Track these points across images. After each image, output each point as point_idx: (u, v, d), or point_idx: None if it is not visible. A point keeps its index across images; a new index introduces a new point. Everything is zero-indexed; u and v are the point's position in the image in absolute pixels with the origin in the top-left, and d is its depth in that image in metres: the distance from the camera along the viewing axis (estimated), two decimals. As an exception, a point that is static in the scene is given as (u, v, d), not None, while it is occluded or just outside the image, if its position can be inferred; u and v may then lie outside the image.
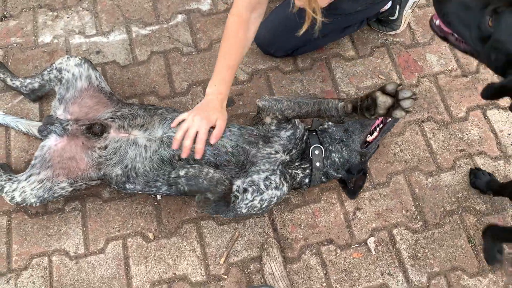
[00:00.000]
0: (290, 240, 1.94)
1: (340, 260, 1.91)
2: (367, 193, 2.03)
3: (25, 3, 2.38)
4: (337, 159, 1.85)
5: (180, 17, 2.40)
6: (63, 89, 1.85)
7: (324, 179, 1.88)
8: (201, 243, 1.92)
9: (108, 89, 1.91)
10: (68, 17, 2.37)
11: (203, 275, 1.87)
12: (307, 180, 1.84)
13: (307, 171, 1.82)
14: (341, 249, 1.93)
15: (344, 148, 1.84)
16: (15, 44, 2.28)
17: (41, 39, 2.31)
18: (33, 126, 2.02)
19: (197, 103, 2.19)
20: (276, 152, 1.76)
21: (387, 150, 2.11)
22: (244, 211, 1.74)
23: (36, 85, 1.98)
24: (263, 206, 1.75)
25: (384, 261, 1.91)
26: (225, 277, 1.87)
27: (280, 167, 1.76)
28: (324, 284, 1.87)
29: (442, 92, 2.23)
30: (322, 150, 1.82)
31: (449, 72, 2.28)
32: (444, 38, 1.29)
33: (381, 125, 1.91)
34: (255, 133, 1.77)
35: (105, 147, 1.76)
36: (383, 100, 1.36)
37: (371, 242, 1.93)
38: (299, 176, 1.83)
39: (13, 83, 2.04)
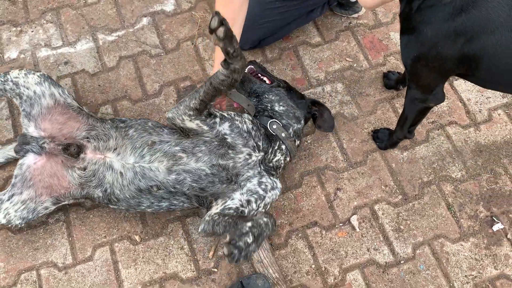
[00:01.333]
0: (275, 227, 1.96)
1: (326, 241, 1.94)
2: (346, 173, 2.07)
3: (-13, 21, 2.36)
4: (281, 107, 1.88)
5: (145, 20, 2.41)
6: (26, 106, 1.79)
7: (298, 142, 1.90)
8: (188, 240, 1.94)
9: (76, 103, 1.85)
10: (32, 31, 2.36)
11: (193, 271, 1.89)
12: (288, 158, 1.86)
13: (283, 147, 1.83)
14: (326, 230, 1.96)
15: (266, 96, 1.89)
16: (-19, 63, 2.26)
17: (7, 55, 2.29)
18: (9, 150, 2.00)
19: (171, 103, 2.21)
20: (249, 154, 1.73)
21: (361, 129, 2.15)
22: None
23: None
24: (267, 208, 1.78)
25: (369, 237, 1.95)
26: (215, 270, 1.89)
27: (261, 167, 1.77)
28: (313, 266, 1.90)
29: (409, 68, 2.28)
30: (276, 121, 1.85)
31: (414, 48, 2.33)
32: None
33: (254, 73, 1.99)
34: (215, 143, 1.70)
35: (84, 169, 1.74)
36: (218, 35, 1.35)
37: (354, 220, 1.97)
38: (281, 160, 1.84)
39: None
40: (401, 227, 1.97)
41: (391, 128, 2.10)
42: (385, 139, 2.06)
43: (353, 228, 1.97)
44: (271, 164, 1.81)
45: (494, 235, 1.95)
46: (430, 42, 1.44)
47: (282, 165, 1.84)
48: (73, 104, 1.85)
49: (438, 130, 2.15)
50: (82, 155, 1.74)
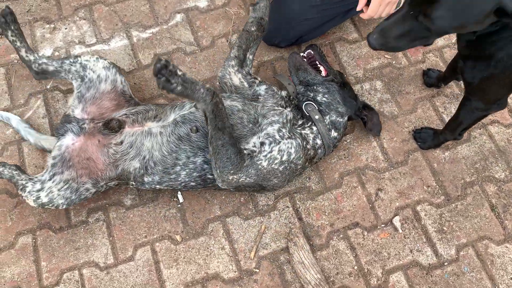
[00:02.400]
0: (316, 228, 1.95)
1: (368, 242, 1.92)
2: (387, 173, 2.04)
3: (20, 18, 2.34)
4: (324, 99, 1.90)
5: (179, 17, 2.39)
6: (84, 88, 1.85)
7: (335, 133, 1.89)
8: (229, 240, 1.93)
9: (130, 92, 1.94)
10: (66, 28, 2.34)
11: (235, 271, 1.88)
12: (319, 142, 1.85)
13: (314, 128, 1.85)
14: (368, 231, 1.94)
15: (315, 88, 1.92)
16: (16, 61, 2.26)
17: (42, 53, 2.28)
18: (42, 140, 2.01)
19: (207, 101, 2.18)
20: (278, 104, 1.84)
21: (401, 128, 2.12)
22: (264, 164, 1.73)
23: (50, 68, 1.90)
24: (283, 158, 1.76)
25: (412, 238, 1.93)
26: (257, 270, 1.88)
27: (288, 124, 1.79)
28: (355, 267, 1.88)
29: (449, 65, 2.24)
30: (313, 104, 1.88)
31: (453, 45, 2.29)
32: None
33: (312, 59, 2.02)
34: (250, 96, 1.89)
35: (121, 142, 1.77)
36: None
37: (396, 221, 1.95)
38: (310, 138, 1.83)
39: (27, 56, 1.91)
40: (444, 228, 1.94)
41: (433, 127, 2.06)
42: (428, 139, 2.02)
43: (396, 229, 1.94)
44: (298, 130, 1.81)
45: (540, 237, 1.92)
46: (505, 64, 1.43)
47: (310, 142, 1.83)
48: (128, 92, 1.93)
49: (480, 129, 2.11)
50: (120, 130, 1.79)
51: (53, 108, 2.16)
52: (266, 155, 1.74)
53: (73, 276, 1.87)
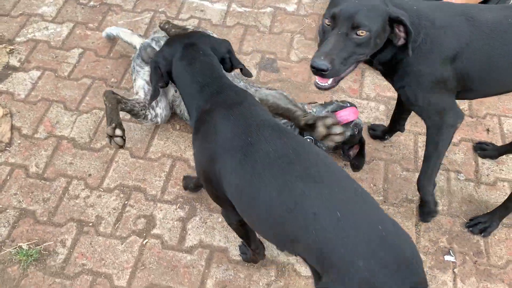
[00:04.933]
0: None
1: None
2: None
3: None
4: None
5: (268, 9, 3.15)
6: None
7: None
8: None
9: None
10: (193, -15, 3.25)
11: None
12: None
13: None
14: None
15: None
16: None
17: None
18: (133, 36, 2.76)
19: (255, 63, 2.85)
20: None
21: (380, 142, 2.53)
22: None
23: None
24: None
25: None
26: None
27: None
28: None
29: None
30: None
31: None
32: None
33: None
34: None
35: None
36: (319, 131, 1.89)
37: (334, 193, 2.32)
38: None
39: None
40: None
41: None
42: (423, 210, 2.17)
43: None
44: None
45: (442, 262, 2.13)
46: (433, 74, 1.74)
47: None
48: None
49: (443, 171, 2.43)
50: None
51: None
52: None
53: (100, 113, 2.55)
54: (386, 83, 2.74)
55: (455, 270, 2.11)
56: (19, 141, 2.46)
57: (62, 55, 2.85)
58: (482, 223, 2.20)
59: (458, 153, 2.50)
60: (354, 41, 1.58)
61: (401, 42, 1.68)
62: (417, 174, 2.38)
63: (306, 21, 3.10)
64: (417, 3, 1.74)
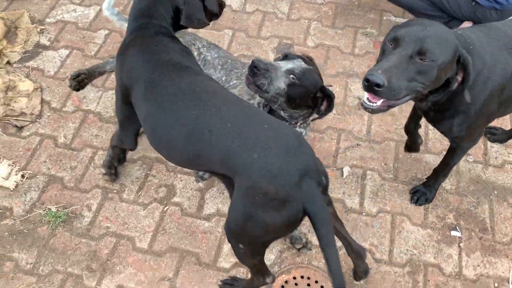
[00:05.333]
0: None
1: (317, 172, 2.42)
2: (363, 143, 2.54)
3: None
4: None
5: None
6: None
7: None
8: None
9: None
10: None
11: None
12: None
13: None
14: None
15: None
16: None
17: None
18: None
19: (271, 47, 2.96)
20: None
21: (392, 124, 2.62)
22: None
23: None
24: None
25: (349, 186, 2.38)
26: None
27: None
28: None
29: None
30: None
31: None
32: None
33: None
34: None
35: None
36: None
37: (346, 170, 2.42)
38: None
39: None
40: (379, 193, 2.36)
41: (418, 184, 2.37)
42: (428, 195, 2.29)
43: (342, 174, 2.42)
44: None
45: (448, 237, 2.22)
46: (479, 108, 1.76)
47: None
48: None
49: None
50: None
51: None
52: None
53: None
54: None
55: (461, 244, 2.20)
56: (48, 114, 2.60)
57: (89, 35, 2.99)
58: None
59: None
60: (417, 66, 1.48)
61: (455, 86, 1.64)
62: (427, 155, 2.49)
63: (323, 9, 3.20)
64: (467, 33, 1.71)
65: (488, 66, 1.69)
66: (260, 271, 1.77)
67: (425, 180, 2.33)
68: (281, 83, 1.79)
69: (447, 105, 1.77)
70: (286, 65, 1.83)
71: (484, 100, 1.77)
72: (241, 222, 1.49)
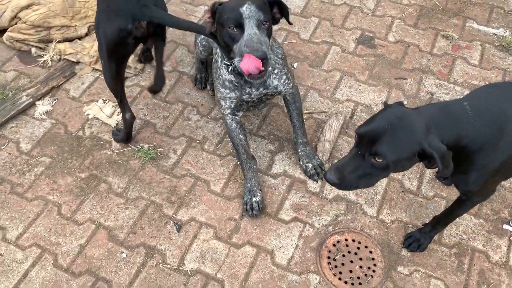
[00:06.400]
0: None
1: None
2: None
3: None
4: None
5: (374, -5, 3.46)
6: None
7: None
8: (303, 97, 2.83)
9: None
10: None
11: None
12: None
13: None
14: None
15: None
16: None
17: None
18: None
19: (355, 38, 3.16)
20: None
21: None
22: None
23: None
24: None
25: (410, 170, 2.52)
26: (305, 120, 2.73)
27: None
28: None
29: None
30: None
31: None
32: None
33: None
34: None
35: None
36: None
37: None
38: None
39: None
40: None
41: (411, 231, 2.28)
42: (422, 242, 2.22)
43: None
44: None
45: (500, 229, 2.31)
46: (502, 163, 1.69)
47: None
48: None
49: None
50: None
51: None
52: None
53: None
54: (475, 72, 2.95)
55: (512, 238, 2.29)
56: (149, 70, 2.98)
57: (191, 9, 3.36)
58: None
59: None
60: (370, 164, 1.57)
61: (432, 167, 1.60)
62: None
63: (407, 10, 3.36)
64: (473, 100, 1.66)
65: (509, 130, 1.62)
66: (122, 103, 2.38)
67: (422, 226, 2.29)
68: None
69: (464, 159, 1.70)
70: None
71: (504, 161, 1.69)
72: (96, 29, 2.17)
